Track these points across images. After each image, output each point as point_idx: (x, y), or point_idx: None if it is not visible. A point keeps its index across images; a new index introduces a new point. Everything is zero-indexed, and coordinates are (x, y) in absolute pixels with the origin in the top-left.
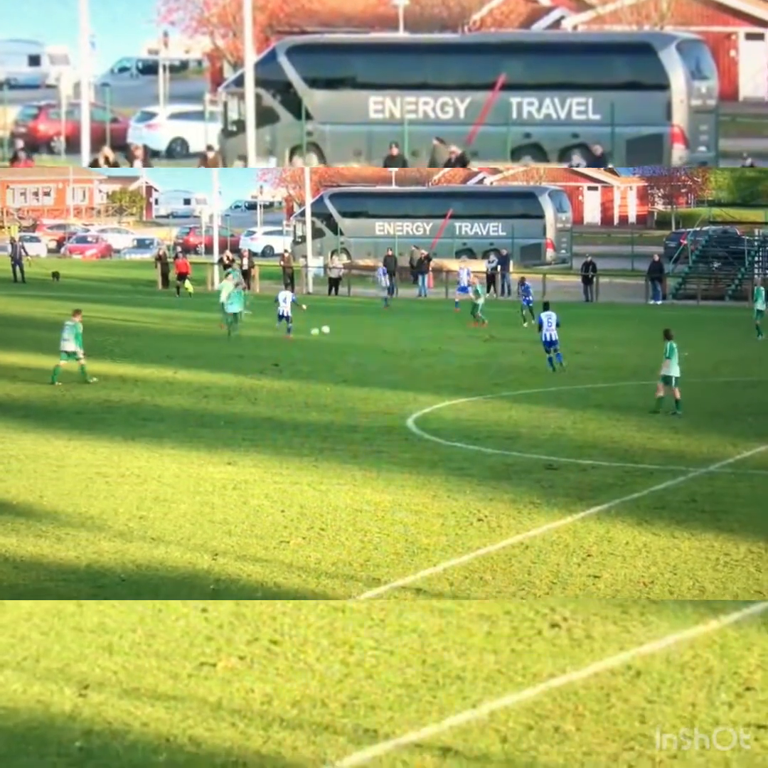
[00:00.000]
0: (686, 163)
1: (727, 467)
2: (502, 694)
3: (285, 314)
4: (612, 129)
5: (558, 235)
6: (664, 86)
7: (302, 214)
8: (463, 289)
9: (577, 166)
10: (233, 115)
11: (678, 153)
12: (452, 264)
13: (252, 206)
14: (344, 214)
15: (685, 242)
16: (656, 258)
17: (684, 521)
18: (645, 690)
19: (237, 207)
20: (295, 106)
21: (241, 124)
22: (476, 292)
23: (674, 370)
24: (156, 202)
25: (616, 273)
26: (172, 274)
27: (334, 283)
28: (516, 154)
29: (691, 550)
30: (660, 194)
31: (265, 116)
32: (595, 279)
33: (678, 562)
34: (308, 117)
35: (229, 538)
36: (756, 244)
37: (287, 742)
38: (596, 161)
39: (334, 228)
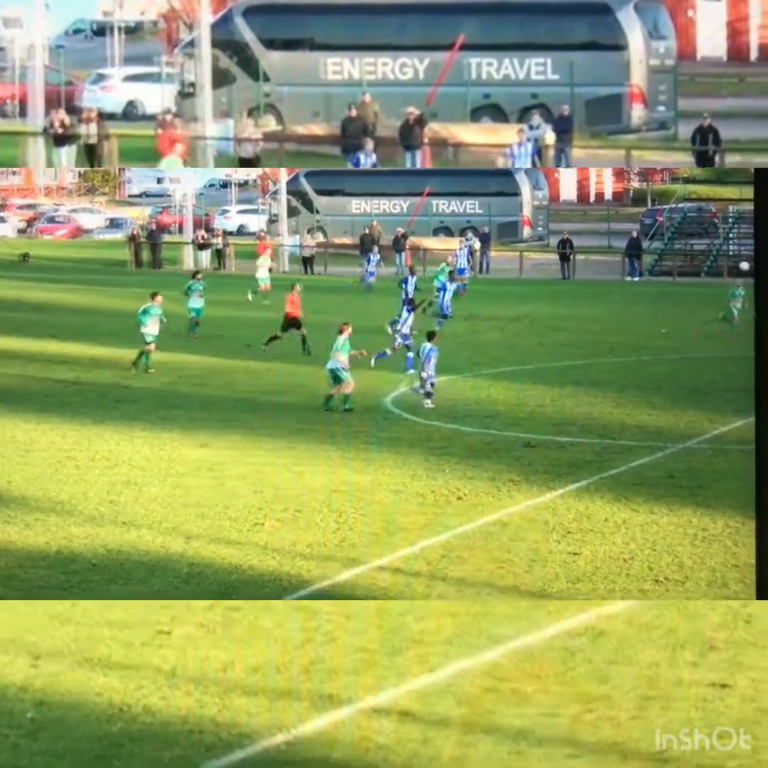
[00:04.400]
0: (645, 123)
1: (704, 443)
2: (460, 657)
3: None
4: (571, 89)
5: (535, 212)
6: (622, 46)
7: (277, 192)
8: (461, 271)
9: (538, 126)
10: (190, 77)
11: (637, 113)
12: (430, 242)
13: (226, 185)
14: (320, 192)
15: (661, 219)
16: (634, 235)
17: (662, 497)
18: (606, 651)
19: (211, 185)
20: (251, 67)
21: (197, 86)
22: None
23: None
24: (128, 181)
25: (592, 250)
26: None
27: (307, 261)
28: (476, 115)
29: (670, 525)
30: (635, 171)
31: (222, 77)
32: (572, 256)
33: (657, 538)
34: (266, 78)
35: (203, 521)
36: (730, 221)
37: (244, 709)
38: (558, 122)
39: (310, 206)
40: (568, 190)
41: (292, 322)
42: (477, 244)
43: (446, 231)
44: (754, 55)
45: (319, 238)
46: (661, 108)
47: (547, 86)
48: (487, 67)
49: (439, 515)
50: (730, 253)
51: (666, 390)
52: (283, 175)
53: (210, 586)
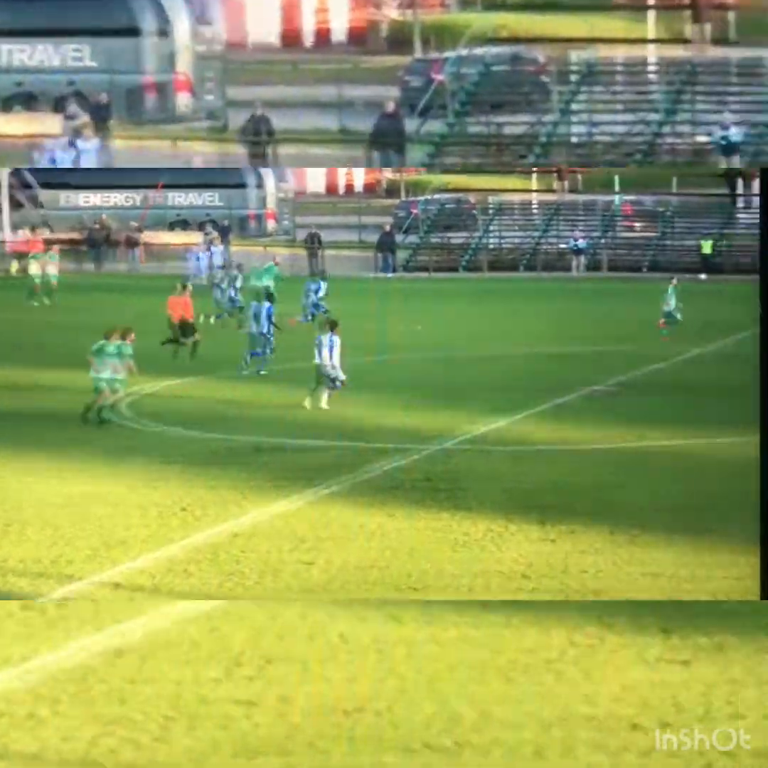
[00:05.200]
0: (193, 112)
1: (464, 444)
2: None
3: None
4: (110, 77)
5: (279, 205)
6: (166, 32)
7: None
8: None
9: (74, 116)
10: None
11: (183, 101)
12: (166, 237)
13: None
14: (45, 185)
15: (416, 212)
16: (387, 228)
17: (419, 501)
18: (125, 670)
19: None
20: None
21: None
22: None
23: None
24: None
25: (342, 245)
26: None
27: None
28: (8, 104)
29: (427, 530)
30: None
31: None
32: (320, 251)
33: (414, 545)
34: None
35: None
36: (490, 212)
37: None
38: (96, 110)
39: (34, 200)
40: (315, 182)
41: (184, 327)
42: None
43: (184, 224)
44: (308, 41)
45: (46, 233)
46: (210, 96)
47: (85, 74)
48: (19, 53)
49: (162, 528)
50: (491, 246)
51: (421, 389)
52: (4, 168)
53: None
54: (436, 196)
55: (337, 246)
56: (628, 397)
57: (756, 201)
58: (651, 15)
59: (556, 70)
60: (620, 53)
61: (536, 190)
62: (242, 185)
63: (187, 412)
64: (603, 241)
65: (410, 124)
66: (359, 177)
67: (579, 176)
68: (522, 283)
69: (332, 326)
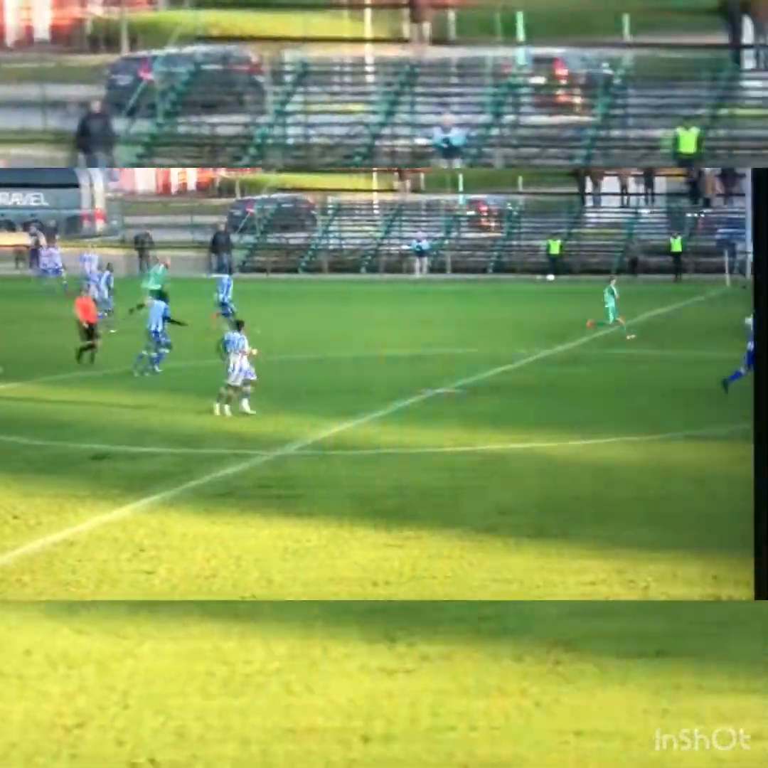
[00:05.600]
0: None
1: (302, 449)
2: None
3: None
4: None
5: (108, 204)
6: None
7: None
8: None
9: (35, 234)
10: None
11: None
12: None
13: None
14: None
15: (252, 211)
16: (222, 228)
17: (255, 508)
18: None
19: None
20: None
21: None
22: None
23: None
24: None
25: (174, 245)
26: None
27: None
28: None
29: (263, 538)
30: None
31: None
32: (149, 252)
33: (243, 553)
34: None
35: None
36: (329, 212)
37: None
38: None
39: None
40: (146, 181)
41: (90, 329)
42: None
43: (7, 225)
44: (11, 39)
45: None
46: None
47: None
48: (2, 198)
49: None
50: (331, 247)
51: (259, 394)
52: None
53: None
54: (274, 195)
55: (170, 246)
56: (473, 400)
57: (604, 200)
58: (368, 14)
59: (271, 70)
60: (337, 53)
61: (377, 190)
62: (69, 185)
63: (20, 418)
64: (446, 242)
65: (119, 124)
66: (192, 176)
67: (422, 175)
68: (364, 285)
69: (238, 326)
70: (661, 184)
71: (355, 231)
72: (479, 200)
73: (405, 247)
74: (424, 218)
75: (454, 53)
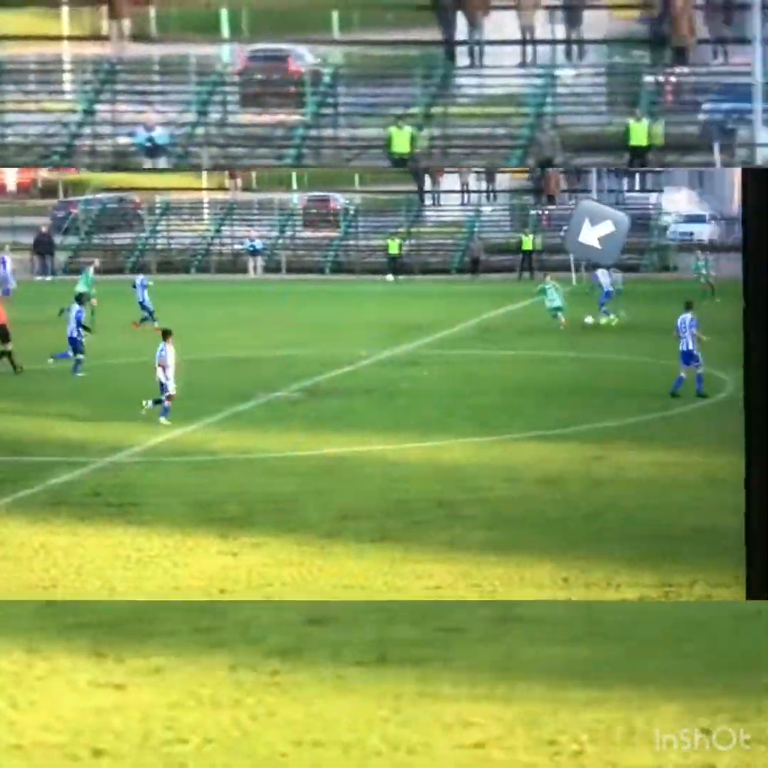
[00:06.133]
0: None
1: (137, 456)
2: None
3: None
4: None
5: None
6: None
7: None
8: None
9: None
10: None
11: None
12: None
13: None
14: None
15: (75, 211)
16: (44, 229)
17: (92, 517)
18: None
19: None
20: None
21: None
22: None
23: None
24: None
25: None
26: None
27: None
28: None
29: (98, 547)
30: None
31: None
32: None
33: (82, 562)
34: None
35: None
36: (158, 212)
37: None
38: None
39: None
40: None
41: (4, 333)
42: None
43: None
44: None
45: None
46: None
47: None
48: None
49: None
50: (158, 246)
51: (88, 399)
52: None
53: None
54: (99, 195)
55: None
56: (313, 403)
57: (444, 198)
58: (65, 10)
59: (147, 207)
60: (32, 51)
61: (207, 189)
62: None
63: None
64: (281, 241)
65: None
66: (11, 176)
67: (253, 174)
68: (195, 286)
69: (165, 335)
70: (503, 181)
71: (184, 230)
72: (327, 198)
73: (238, 246)
74: (256, 217)
75: (156, 50)
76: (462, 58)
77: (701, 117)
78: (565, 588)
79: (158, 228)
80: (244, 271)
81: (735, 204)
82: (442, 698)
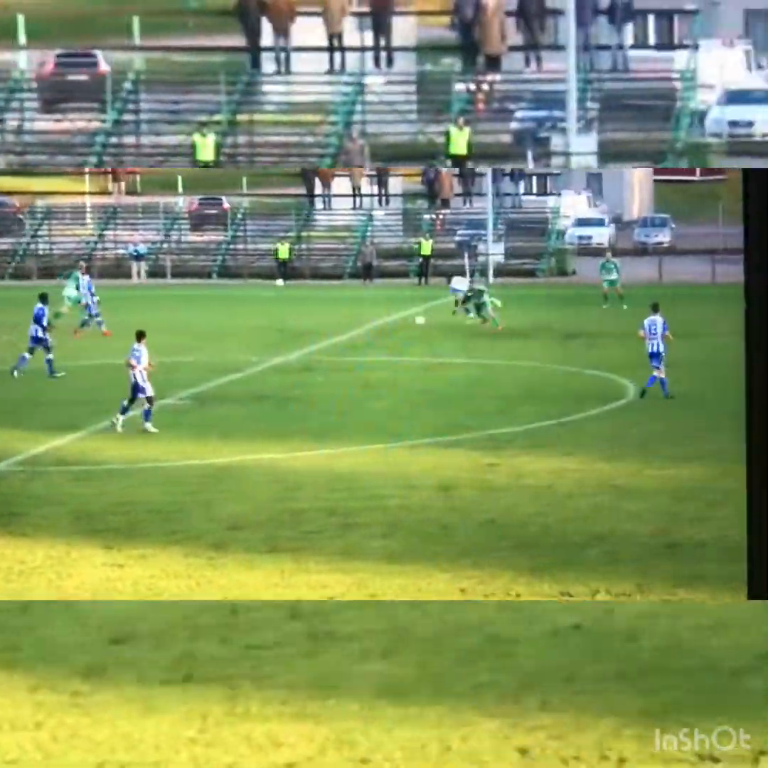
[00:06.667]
0: None
1: (16, 465)
2: None
3: None
4: None
5: None
6: None
7: None
8: None
9: None
10: None
11: None
12: None
13: None
14: None
15: None
16: None
17: None
18: None
19: None
20: None
21: None
22: None
23: None
24: None
25: None
26: None
27: None
28: None
29: None
30: None
31: None
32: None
33: None
34: None
35: None
36: (39, 217)
37: None
38: None
39: None
40: None
41: None
42: None
43: None
44: None
45: None
46: None
47: None
48: None
49: None
50: (40, 252)
51: None
52: None
53: None
54: None
55: None
56: (201, 410)
57: (335, 201)
58: None
59: (29, 211)
60: None
61: (89, 192)
62: None
63: None
64: (166, 245)
65: None
66: None
67: (137, 177)
68: None
69: (139, 337)
70: (396, 185)
71: (66, 235)
72: (220, 199)
73: (121, 251)
74: (141, 221)
75: None
76: (268, 64)
77: (513, 126)
78: (462, 597)
79: (39, 233)
80: (128, 276)
81: (634, 208)
82: (251, 717)
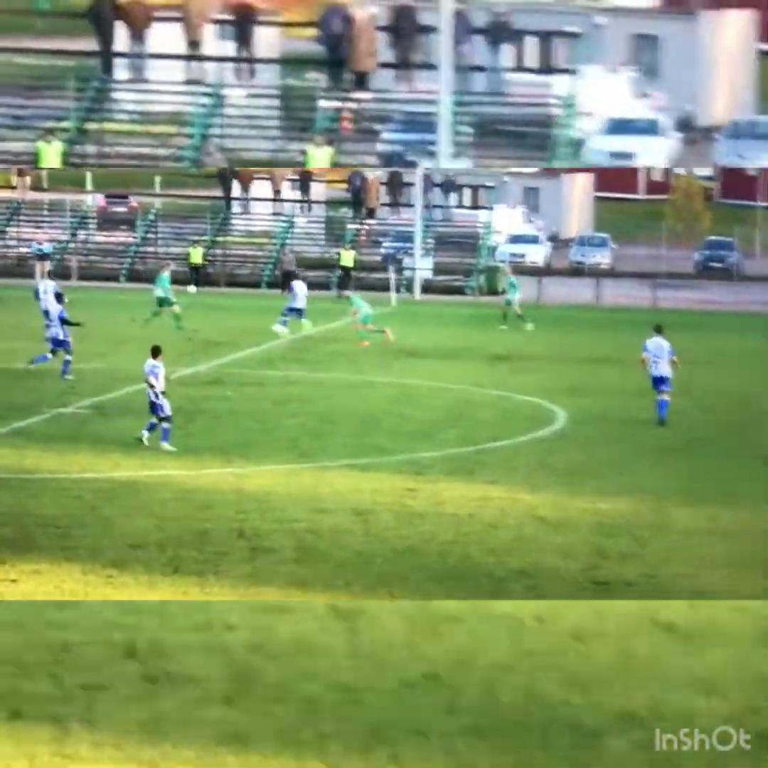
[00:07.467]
0: None
1: None
2: None
3: None
4: None
5: None
6: None
7: None
8: None
9: None
10: None
11: None
12: None
13: None
14: None
15: None
16: None
17: None
18: None
19: None
20: None
21: None
22: None
23: None
24: None
25: None
26: None
27: None
28: None
29: None
30: None
31: None
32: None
33: None
34: None
35: None
36: None
37: None
38: None
39: None
40: None
41: None
42: None
43: None
44: None
45: None
46: None
47: None
48: None
49: None
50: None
51: None
52: None
53: None
54: None
55: None
56: (102, 421)
57: (255, 205)
58: None
59: None
60: None
61: None
62: None
63: None
64: (72, 245)
65: None
66: None
67: (44, 173)
68: None
69: (155, 353)
70: (319, 191)
71: None
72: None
73: (24, 249)
74: (46, 219)
75: None
76: (121, 71)
77: (380, 147)
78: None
79: None
80: (31, 276)
81: (572, 225)
82: (80, 760)
